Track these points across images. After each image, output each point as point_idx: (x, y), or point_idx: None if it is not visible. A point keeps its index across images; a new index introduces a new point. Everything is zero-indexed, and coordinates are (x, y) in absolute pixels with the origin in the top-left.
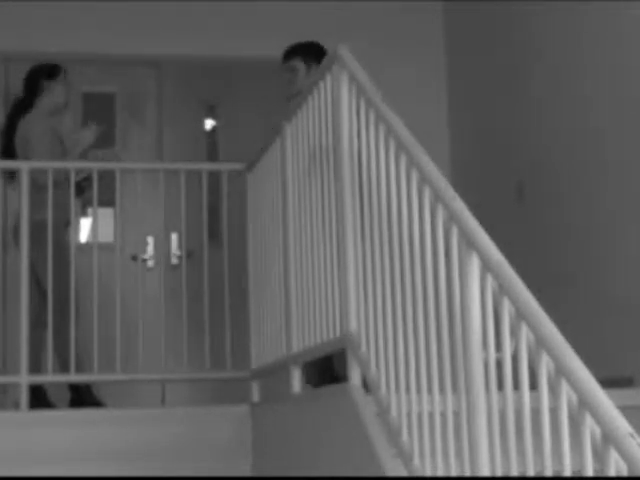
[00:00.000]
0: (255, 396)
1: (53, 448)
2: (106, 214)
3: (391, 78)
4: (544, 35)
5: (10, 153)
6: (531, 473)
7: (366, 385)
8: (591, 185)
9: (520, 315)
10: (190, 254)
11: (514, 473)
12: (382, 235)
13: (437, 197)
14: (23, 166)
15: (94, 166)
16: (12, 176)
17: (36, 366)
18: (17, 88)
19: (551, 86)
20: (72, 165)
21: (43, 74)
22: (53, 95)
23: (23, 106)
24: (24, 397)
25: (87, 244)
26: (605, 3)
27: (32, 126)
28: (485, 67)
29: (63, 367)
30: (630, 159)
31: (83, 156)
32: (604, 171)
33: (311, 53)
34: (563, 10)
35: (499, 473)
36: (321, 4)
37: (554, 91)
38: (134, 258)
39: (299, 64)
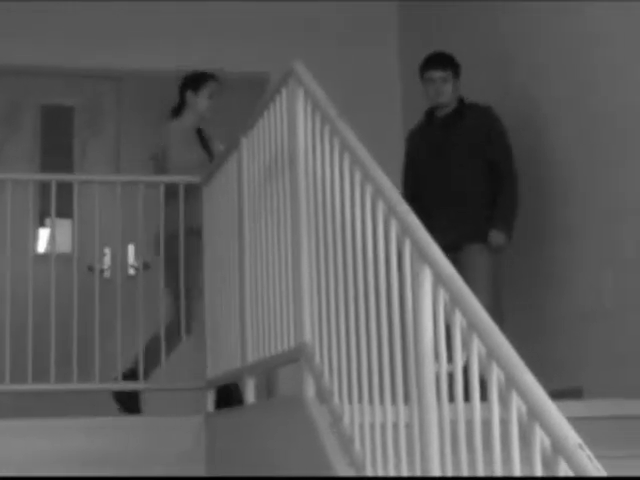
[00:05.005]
0: (210, 406)
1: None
2: (64, 225)
3: (345, 80)
4: (499, 34)
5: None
6: None
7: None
8: (557, 191)
9: (471, 327)
10: (147, 266)
11: None
12: (336, 247)
13: (391, 210)
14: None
15: (52, 177)
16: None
17: None
18: None
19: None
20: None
21: (188, 86)
22: (197, 106)
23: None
24: None
25: (45, 255)
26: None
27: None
28: None
29: None
30: (633, 157)
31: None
32: (599, 174)
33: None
34: (515, 10)
35: None
36: (273, 5)
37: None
38: (90, 269)
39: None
